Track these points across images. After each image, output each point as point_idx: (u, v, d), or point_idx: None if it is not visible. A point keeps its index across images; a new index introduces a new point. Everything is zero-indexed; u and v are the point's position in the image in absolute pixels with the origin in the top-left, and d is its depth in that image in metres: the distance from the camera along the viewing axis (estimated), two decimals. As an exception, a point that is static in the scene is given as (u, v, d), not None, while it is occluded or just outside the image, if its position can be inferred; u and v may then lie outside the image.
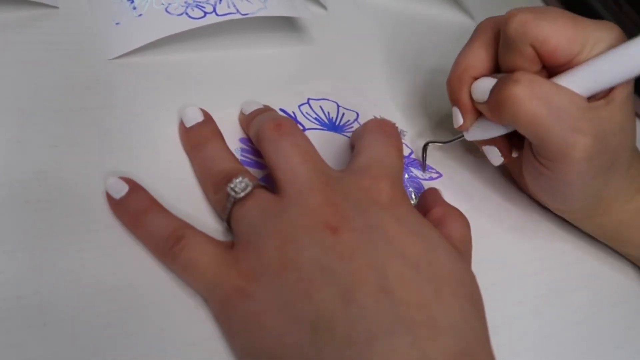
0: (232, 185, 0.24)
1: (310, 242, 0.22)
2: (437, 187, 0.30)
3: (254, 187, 0.24)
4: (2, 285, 0.22)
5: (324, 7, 0.41)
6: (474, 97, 0.29)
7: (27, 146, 0.26)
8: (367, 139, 0.27)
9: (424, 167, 0.33)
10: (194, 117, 0.28)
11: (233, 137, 0.30)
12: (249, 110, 0.30)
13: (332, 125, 0.33)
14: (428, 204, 0.27)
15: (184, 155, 0.28)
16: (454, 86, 0.30)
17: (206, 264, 0.23)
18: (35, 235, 0.23)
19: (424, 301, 0.21)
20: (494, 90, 0.27)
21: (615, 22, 0.27)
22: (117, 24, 0.32)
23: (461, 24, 0.46)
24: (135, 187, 0.25)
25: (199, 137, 0.28)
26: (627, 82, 0.26)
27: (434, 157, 0.34)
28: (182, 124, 0.28)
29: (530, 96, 0.25)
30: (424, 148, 0.33)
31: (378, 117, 0.34)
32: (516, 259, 0.31)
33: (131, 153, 0.27)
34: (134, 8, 0.32)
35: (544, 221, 0.34)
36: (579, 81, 0.26)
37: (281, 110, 0.32)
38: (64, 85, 0.29)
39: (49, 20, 0.31)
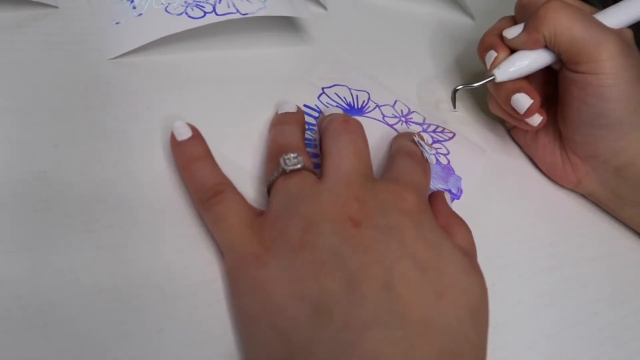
0: (286, 157, 0.26)
1: (332, 231, 0.23)
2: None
3: (303, 167, 0.26)
4: (2, 285, 0.22)
5: (324, 7, 0.41)
6: (508, 35, 0.32)
7: (27, 146, 0.26)
8: (399, 161, 0.28)
9: (454, 105, 0.35)
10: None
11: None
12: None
13: (353, 109, 0.34)
14: (432, 208, 0.28)
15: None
16: (486, 39, 0.34)
17: (234, 223, 0.24)
18: (35, 235, 0.23)
19: (423, 302, 0.22)
20: (532, 16, 0.31)
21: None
22: (117, 23, 0.32)
23: (461, 24, 0.46)
24: (196, 135, 0.27)
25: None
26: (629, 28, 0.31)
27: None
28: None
29: (566, 4, 0.30)
30: (454, 93, 0.35)
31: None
32: (516, 259, 0.31)
33: (131, 153, 0.27)
34: (134, 8, 0.32)
35: (543, 222, 0.34)
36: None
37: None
38: (64, 85, 0.29)
39: (49, 20, 0.31)
